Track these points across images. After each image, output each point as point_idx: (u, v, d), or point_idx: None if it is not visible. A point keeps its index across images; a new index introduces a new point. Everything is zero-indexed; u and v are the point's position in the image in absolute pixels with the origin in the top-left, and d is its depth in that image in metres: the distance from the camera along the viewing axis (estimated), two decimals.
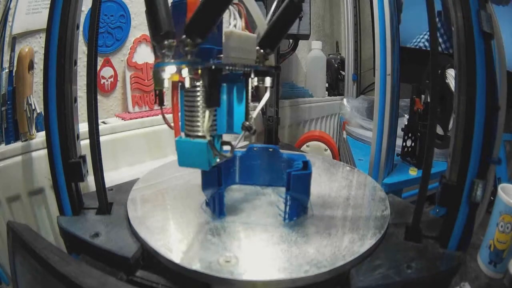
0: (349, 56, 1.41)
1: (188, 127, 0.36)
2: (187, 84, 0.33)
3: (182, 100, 0.37)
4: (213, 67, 0.33)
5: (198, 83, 0.34)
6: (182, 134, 0.37)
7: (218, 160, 0.37)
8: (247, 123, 0.37)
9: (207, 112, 0.34)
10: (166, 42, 0.32)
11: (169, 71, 0.33)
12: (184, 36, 0.32)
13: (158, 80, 0.34)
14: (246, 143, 1.11)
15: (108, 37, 0.90)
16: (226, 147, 0.39)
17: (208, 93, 0.33)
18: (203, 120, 0.35)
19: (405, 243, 0.38)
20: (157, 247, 0.35)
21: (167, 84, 0.35)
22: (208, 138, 0.34)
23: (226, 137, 0.39)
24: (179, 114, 0.37)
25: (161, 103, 0.39)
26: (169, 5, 0.34)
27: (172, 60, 0.33)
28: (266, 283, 0.31)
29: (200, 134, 0.35)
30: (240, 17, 0.38)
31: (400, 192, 0.81)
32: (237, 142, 0.39)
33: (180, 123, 0.37)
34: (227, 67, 0.34)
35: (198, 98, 0.35)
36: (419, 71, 0.84)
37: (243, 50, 0.36)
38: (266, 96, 0.39)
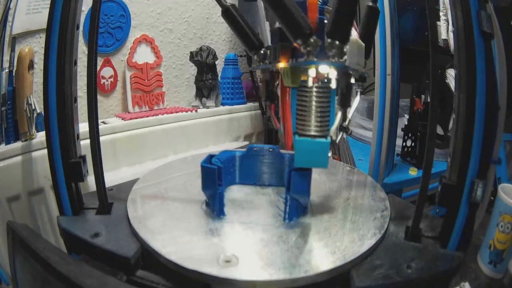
0: None
1: (302, 127, 0.37)
2: (334, 85, 0.35)
3: (294, 99, 0.38)
4: (350, 71, 0.35)
5: (316, 85, 0.36)
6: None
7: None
8: (345, 123, 0.39)
9: (339, 113, 0.37)
10: (312, 40, 0.34)
11: (320, 70, 0.34)
12: (329, 40, 0.34)
13: (296, 78, 0.36)
14: (246, 143, 1.11)
15: (108, 37, 0.90)
16: None
17: (345, 95, 0.36)
18: (318, 119, 0.36)
19: (405, 243, 0.38)
20: (157, 247, 0.35)
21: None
22: (334, 137, 0.36)
23: None
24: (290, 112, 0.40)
25: (272, 101, 0.44)
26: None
27: (315, 59, 0.34)
28: (266, 283, 0.31)
29: (314, 133, 0.36)
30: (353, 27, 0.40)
31: (400, 192, 0.81)
32: (338, 139, 0.41)
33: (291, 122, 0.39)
34: (350, 72, 0.37)
35: (314, 98, 0.36)
36: (419, 71, 0.84)
37: (360, 57, 0.38)
38: (357, 99, 0.42)
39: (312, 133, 0.36)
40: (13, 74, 0.68)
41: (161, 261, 0.34)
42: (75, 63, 0.44)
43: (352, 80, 0.39)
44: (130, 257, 0.35)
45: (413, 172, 0.81)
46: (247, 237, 0.37)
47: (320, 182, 0.52)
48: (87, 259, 0.38)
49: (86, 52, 0.42)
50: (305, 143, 0.36)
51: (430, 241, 0.39)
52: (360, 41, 0.38)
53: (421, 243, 0.39)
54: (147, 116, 0.92)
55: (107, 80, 0.92)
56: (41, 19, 0.74)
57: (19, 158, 0.67)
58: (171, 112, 0.97)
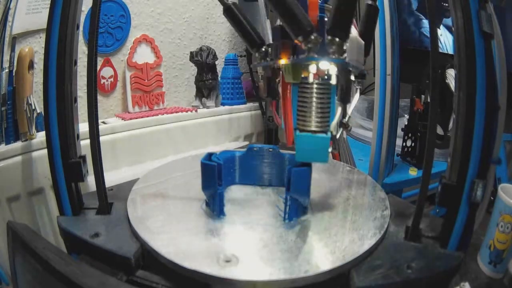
0: None
1: (302, 122, 0.38)
2: (334, 81, 0.36)
3: (295, 96, 0.39)
4: (350, 68, 0.36)
5: (317, 81, 0.37)
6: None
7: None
8: (345, 120, 0.40)
9: (339, 109, 0.37)
10: (313, 37, 0.34)
11: (321, 66, 0.35)
12: (329, 37, 0.35)
13: (297, 74, 0.37)
14: (246, 143, 1.11)
15: (108, 37, 0.90)
16: None
17: (345, 91, 0.37)
18: (319, 115, 0.37)
19: (405, 243, 0.38)
20: (157, 247, 0.35)
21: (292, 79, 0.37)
22: (334, 132, 0.37)
23: None
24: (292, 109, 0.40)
25: (274, 97, 0.45)
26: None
27: (316, 56, 0.35)
28: (266, 283, 0.31)
29: (314, 128, 0.37)
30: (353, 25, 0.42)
31: (400, 192, 0.81)
32: (338, 135, 0.41)
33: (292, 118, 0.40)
34: (350, 68, 0.37)
35: (315, 94, 0.37)
36: (419, 71, 0.84)
37: (360, 54, 0.38)
38: (357, 96, 0.42)
39: (313, 128, 0.37)
40: (13, 74, 0.68)
41: (161, 261, 0.34)
42: (75, 63, 0.44)
43: (352, 77, 0.39)
44: (130, 257, 0.35)
45: (413, 172, 0.81)
46: (247, 237, 0.37)
47: (320, 182, 0.52)
48: (87, 259, 0.38)
49: (86, 52, 0.42)
50: (306, 138, 0.37)
51: (430, 241, 0.39)
52: (359, 38, 0.38)
53: (421, 243, 0.39)
54: (147, 116, 0.92)
55: (107, 80, 0.92)
56: (41, 19, 0.74)
57: (19, 158, 0.67)
58: (171, 112, 0.97)
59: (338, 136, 0.41)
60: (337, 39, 0.35)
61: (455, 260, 0.36)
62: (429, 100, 0.77)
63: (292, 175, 0.39)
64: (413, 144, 0.86)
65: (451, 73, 0.79)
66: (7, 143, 0.67)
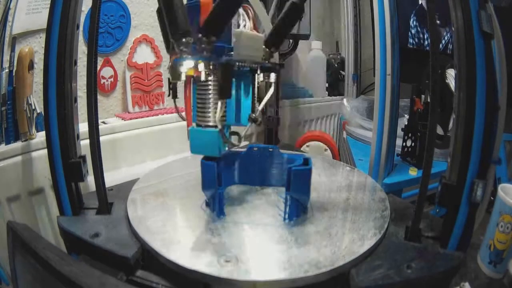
0: (349, 56, 1.41)
1: (200, 118, 0.40)
2: (203, 77, 0.37)
3: (195, 93, 0.41)
4: (226, 62, 0.37)
5: (210, 77, 0.38)
6: (194, 124, 0.41)
7: (227, 148, 0.41)
8: (253, 115, 0.41)
9: (219, 103, 0.38)
10: (184, 40, 0.36)
11: (186, 66, 0.37)
12: (200, 35, 0.36)
13: (175, 74, 0.38)
14: (246, 143, 1.11)
15: (108, 37, 0.90)
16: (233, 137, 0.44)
17: (221, 86, 0.37)
18: (215, 110, 0.39)
19: (405, 243, 0.38)
20: (157, 247, 0.35)
21: (183, 77, 0.39)
22: (220, 127, 0.38)
23: (234, 129, 0.45)
24: (191, 105, 0.42)
25: (174, 96, 0.46)
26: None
27: (190, 56, 0.37)
28: (266, 283, 0.31)
29: (211, 123, 0.39)
30: (249, 18, 0.42)
31: (400, 192, 0.81)
32: (244, 132, 0.43)
33: (192, 114, 0.42)
34: (237, 63, 0.38)
35: (211, 91, 0.39)
36: (419, 71, 0.84)
37: (251, 48, 0.40)
38: (271, 91, 0.42)
39: (206, 123, 0.40)
40: (13, 74, 0.68)
41: (161, 261, 0.34)
42: (75, 63, 0.44)
43: (261, 74, 0.41)
44: (130, 257, 0.35)
45: (413, 172, 0.81)
46: (247, 237, 0.37)
47: (320, 182, 0.52)
48: (87, 259, 0.38)
49: (86, 52, 0.42)
50: (196, 132, 0.40)
51: (430, 241, 0.39)
52: (247, 31, 0.40)
53: (421, 243, 0.39)
54: (147, 116, 0.92)
55: (107, 80, 0.92)
56: (41, 19, 0.74)
57: (19, 158, 0.67)
58: (171, 112, 0.97)
59: (244, 133, 0.43)
60: (204, 39, 0.36)
61: (455, 260, 0.36)
62: (429, 100, 0.77)
63: (292, 175, 0.39)
64: (413, 144, 0.86)
65: (451, 73, 0.79)
66: (7, 143, 0.67)
